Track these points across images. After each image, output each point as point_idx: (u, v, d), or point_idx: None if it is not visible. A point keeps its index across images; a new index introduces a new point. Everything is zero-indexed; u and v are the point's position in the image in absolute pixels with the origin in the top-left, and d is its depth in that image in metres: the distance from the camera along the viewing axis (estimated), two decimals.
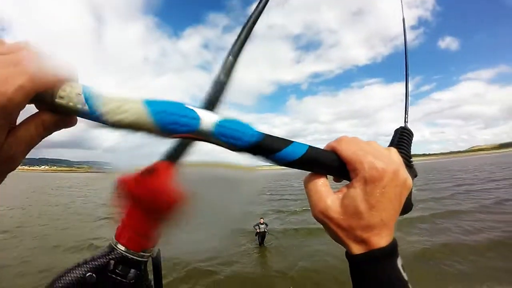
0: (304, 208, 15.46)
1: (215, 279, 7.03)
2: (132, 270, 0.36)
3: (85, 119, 0.32)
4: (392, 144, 0.50)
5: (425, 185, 25.02)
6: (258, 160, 0.38)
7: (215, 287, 6.77)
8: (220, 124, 0.34)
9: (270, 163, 0.38)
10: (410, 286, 0.38)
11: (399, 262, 0.40)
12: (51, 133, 0.33)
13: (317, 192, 0.42)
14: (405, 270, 0.39)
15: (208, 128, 0.33)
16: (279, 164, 0.39)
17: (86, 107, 0.30)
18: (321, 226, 0.42)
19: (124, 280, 0.36)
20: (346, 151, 0.40)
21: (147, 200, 0.35)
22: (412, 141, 0.52)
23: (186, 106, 0.33)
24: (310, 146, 0.40)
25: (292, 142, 0.39)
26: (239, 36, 0.43)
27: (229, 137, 0.34)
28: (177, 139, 0.36)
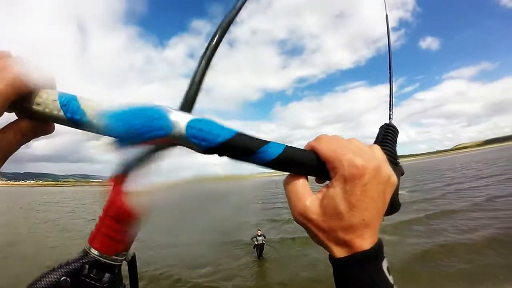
0: None
1: None
2: (107, 274, 0.38)
3: (64, 125, 0.35)
4: (376, 141, 0.50)
5: (416, 186, 25.94)
6: (233, 161, 0.38)
7: None
8: (192, 125, 0.34)
9: (246, 163, 0.39)
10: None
11: (385, 264, 0.40)
12: (29, 140, 0.36)
13: (296, 193, 0.42)
14: (391, 273, 0.40)
15: (182, 131, 0.34)
16: (256, 165, 0.39)
17: (62, 113, 0.33)
18: None
19: (98, 284, 0.37)
20: (325, 149, 0.40)
21: (109, 209, 0.38)
22: (397, 138, 0.52)
23: (162, 110, 0.35)
24: (287, 146, 0.40)
25: (268, 142, 0.39)
26: (212, 38, 0.43)
27: (200, 138, 0.34)
28: (141, 146, 0.37)
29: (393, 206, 0.45)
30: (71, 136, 63.60)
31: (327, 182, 0.41)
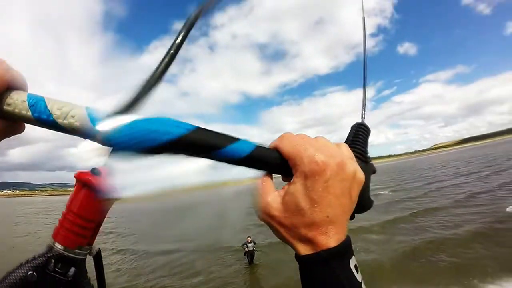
0: None
1: None
2: (72, 268, 0.39)
3: (32, 125, 0.38)
4: (347, 140, 0.52)
5: (398, 186, 26.98)
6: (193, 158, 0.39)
7: None
8: (130, 126, 0.35)
9: (214, 160, 0.39)
10: (364, 286, 0.40)
11: (352, 262, 0.40)
12: (1, 140, 0.39)
13: (259, 190, 0.44)
14: (359, 270, 0.40)
15: (111, 133, 0.35)
16: (224, 162, 0.40)
17: (29, 113, 0.36)
18: None
19: (63, 278, 0.39)
20: (287, 147, 0.41)
21: (71, 204, 0.40)
22: (369, 137, 0.55)
23: (125, 112, 0.37)
24: (258, 145, 0.41)
25: (238, 139, 0.40)
26: (174, 40, 0.44)
27: (140, 139, 0.35)
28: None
29: (364, 203, 0.48)
30: (47, 144, 56.94)
31: None
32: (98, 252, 0.45)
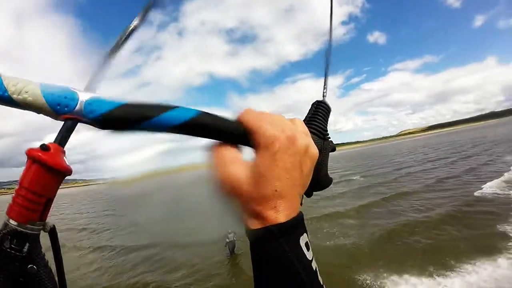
0: None
1: None
2: (27, 244, 0.41)
3: None
4: (306, 117, 0.55)
5: (368, 172, 28.24)
6: (136, 132, 0.41)
7: None
8: (89, 102, 0.39)
9: (150, 132, 0.41)
10: (314, 264, 0.41)
11: (303, 239, 0.41)
12: None
13: (217, 159, 0.44)
14: (310, 248, 0.41)
15: (80, 108, 0.39)
16: (162, 131, 0.41)
17: None
18: None
19: (19, 254, 0.40)
20: (246, 120, 0.43)
21: (23, 180, 0.41)
22: (329, 114, 0.57)
23: (71, 88, 0.40)
24: (205, 112, 0.42)
25: (177, 107, 0.41)
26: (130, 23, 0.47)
27: (96, 113, 0.38)
28: (66, 122, 0.41)
29: (321, 180, 0.50)
30: (12, 139, 51.36)
31: None
32: (53, 229, 0.46)
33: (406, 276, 6.04)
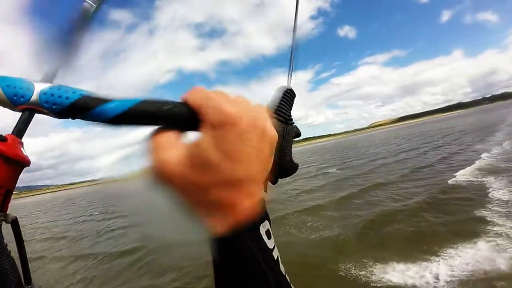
0: None
1: None
2: None
3: None
4: (270, 102, 0.54)
5: (344, 164, 28.93)
6: (90, 123, 0.40)
7: None
8: (44, 92, 0.39)
9: (99, 124, 0.40)
10: (276, 253, 0.40)
11: (264, 227, 0.39)
12: None
13: (151, 145, 0.40)
14: (271, 236, 0.40)
15: (36, 98, 0.39)
16: (107, 123, 0.40)
17: None
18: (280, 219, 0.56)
19: None
20: (194, 99, 0.40)
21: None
22: (293, 100, 0.56)
23: (26, 79, 0.41)
24: (145, 100, 0.40)
25: (120, 99, 0.40)
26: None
27: (50, 103, 0.39)
28: (23, 113, 0.42)
29: (286, 166, 0.49)
30: None
31: None
32: (15, 220, 0.47)
33: (392, 264, 6.28)
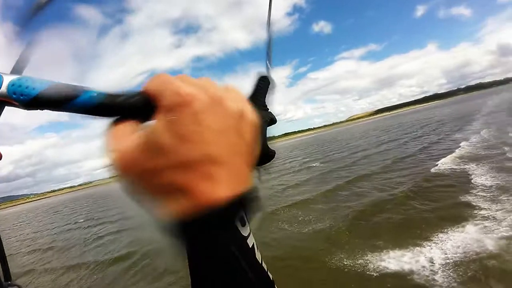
0: None
1: None
2: None
3: None
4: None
5: (326, 157, 29.38)
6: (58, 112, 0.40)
7: None
8: (12, 83, 0.39)
9: (70, 112, 0.40)
10: (251, 241, 0.38)
11: (239, 216, 0.36)
12: None
13: (108, 138, 0.39)
14: (245, 223, 0.37)
15: (5, 90, 0.40)
16: (77, 113, 0.40)
17: None
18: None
19: None
20: (152, 87, 0.39)
21: None
22: (271, 87, 0.56)
23: None
24: (101, 93, 0.40)
25: (89, 90, 0.40)
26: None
27: (18, 94, 0.39)
28: None
29: (266, 152, 0.49)
30: None
31: None
32: None
33: (387, 251, 6.55)
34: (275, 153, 0.51)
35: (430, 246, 6.42)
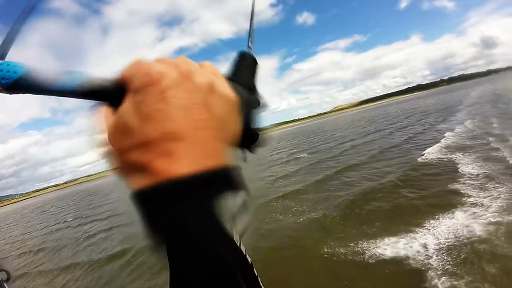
0: None
1: None
2: None
3: None
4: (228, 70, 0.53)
5: (313, 148, 29.75)
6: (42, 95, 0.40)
7: None
8: None
9: (51, 95, 0.40)
10: (230, 230, 0.35)
11: (220, 201, 0.34)
12: None
13: (90, 119, 0.41)
14: (229, 211, 0.35)
15: None
16: (61, 96, 0.40)
17: None
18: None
19: None
20: (125, 71, 0.39)
21: None
22: (253, 65, 0.56)
23: None
24: (89, 79, 0.40)
25: (68, 73, 0.40)
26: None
27: (0, 78, 0.39)
28: None
29: (250, 132, 0.48)
30: None
31: None
32: None
33: (382, 238, 6.79)
34: (259, 134, 0.50)
35: (422, 232, 6.69)
